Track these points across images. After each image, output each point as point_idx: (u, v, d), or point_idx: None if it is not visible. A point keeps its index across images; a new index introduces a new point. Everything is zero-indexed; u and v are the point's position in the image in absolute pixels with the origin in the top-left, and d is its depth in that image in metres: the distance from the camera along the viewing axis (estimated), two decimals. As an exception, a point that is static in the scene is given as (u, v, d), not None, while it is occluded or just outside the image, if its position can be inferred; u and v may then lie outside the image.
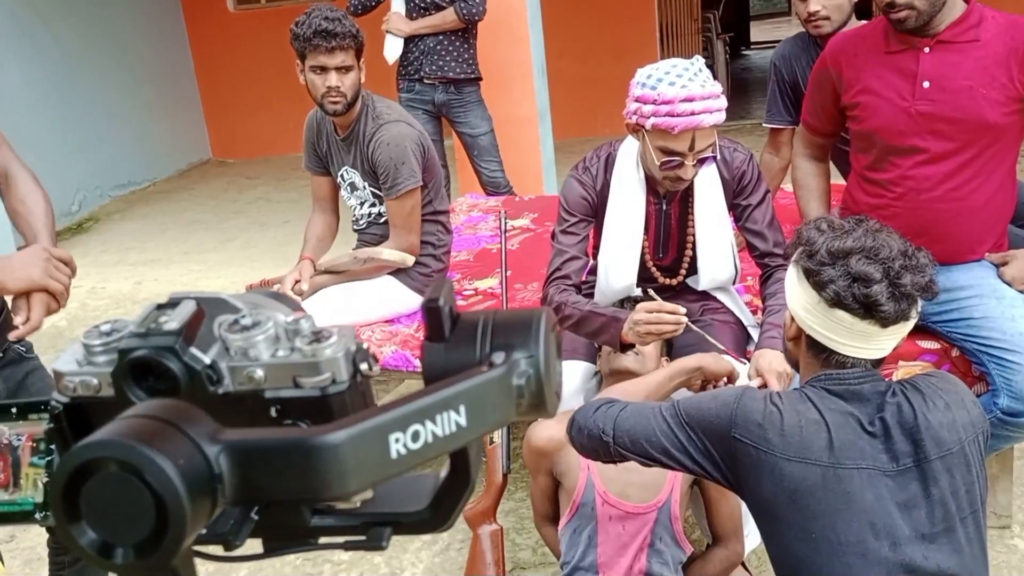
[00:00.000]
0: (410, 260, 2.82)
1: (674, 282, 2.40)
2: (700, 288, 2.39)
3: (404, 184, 2.71)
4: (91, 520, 0.42)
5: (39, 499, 0.57)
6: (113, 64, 7.68)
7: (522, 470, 2.82)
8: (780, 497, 1.46)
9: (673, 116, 2.02)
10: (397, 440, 0.44)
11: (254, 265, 5.43)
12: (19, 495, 0.57)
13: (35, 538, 2.81)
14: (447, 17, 4.25)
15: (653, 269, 2.37)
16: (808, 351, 1.55)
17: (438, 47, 4.32)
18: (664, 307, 2.06)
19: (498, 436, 2.13)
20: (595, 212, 2.32)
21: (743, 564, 2.14)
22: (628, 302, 2.27)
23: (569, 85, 7.27)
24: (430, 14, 4.29)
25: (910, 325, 1.49)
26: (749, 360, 2.16)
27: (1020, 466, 2.64)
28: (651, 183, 2.27)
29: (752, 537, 2.10)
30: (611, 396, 1.75)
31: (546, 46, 5.05)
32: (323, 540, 0.54)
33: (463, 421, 0.46)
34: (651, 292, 2.22)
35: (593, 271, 2.44)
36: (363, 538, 0.53)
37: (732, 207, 2.33)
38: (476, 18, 4.26)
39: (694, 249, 2.33)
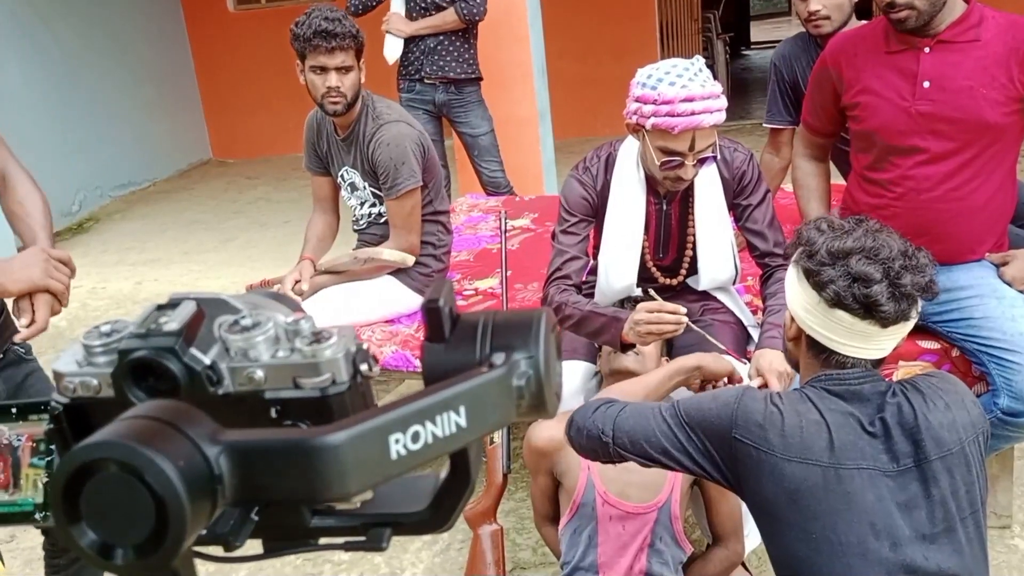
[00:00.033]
0: (410, 260, 2.83)
1: (674, 282, 2.40)
2: (700, 288, 2.39)
3: (404, 184, 2.71)
4: (91, 521, 0.42)
5: (39, 500, 0.57)
6: (113, 64, 7.68)
7: (522, 470, 2.82)
8: (781, 497, 1.46)
9: (673, 116, 2.03)
10: (397, 441, 0.44)
11: (254, 265, 5.43)
12: (19, 496, 0.57)
13: (35, 538, 2.81)
14: (447, 17, 4.25)
15: (653, 269, 2.37)
16: (808, 351, 1.55)
17: (439, 47, 4.32)
18: (665, 307, 2.06)
19: (498, 436, 2.13)
20: (595, 212, 2.32)
21: (743, 564, 2.14)
22: (628, 302, 2.27)
23: (569, 85, 7.27)
24: (431, 14, 4.29)
25: (910, 325, 1.49)
26: (749, 360, 2.16)
27: (1020, 466, 2.64)
28: (651, 183, 2.27)
29: (752, 537, 2.10)
30: (610, 396, 1.75)
31: (546, 46, 5.05)
32: (323, 541, 0.54)
33: (463, 422, 0.46)
34: (652, 292, 2.22)
35: (593, 271, 2.44)
36: (363, 539, 0.53)
37: (732, 207, 2.33)
38: (477, 18, 4.26)
39: (694, 249, 2.33)
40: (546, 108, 5.04)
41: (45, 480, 0.56)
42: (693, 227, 2.31)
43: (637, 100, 2.09)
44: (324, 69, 2.64)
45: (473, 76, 4.41)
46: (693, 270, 2.38)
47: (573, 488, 2.03)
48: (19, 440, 0.56)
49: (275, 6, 8.49)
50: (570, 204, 2.31)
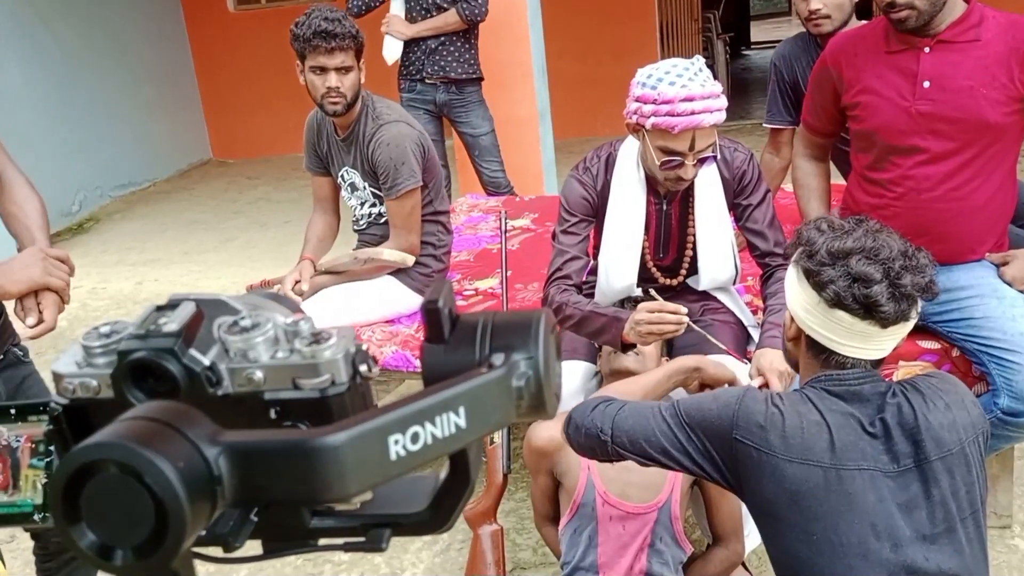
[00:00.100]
0: (410, 260, 2.83)
1: (674, 282, 2.40)
2: (700, 288, 2.39)
3: (404, 184, 2.71)
4: (91, 522, 0.42)
5: (38, 501, 0.57)
6: (113, 64, 7.68)
7: (522, 470, 2.82)
8: (781, 498, 1.46)
9: (673, 116, 2.03)
10: (396, 442, 0.44)
11: (254, 265, 5.43)
12: (18, 497, 0.57)
13: (35, 538, 2.81)
14: (449, 19, 4.25)
15: (653, 269, 2.37)
16: (808, 351, 1.55)
17: (440, 48, 4.32)
18: (666, 307, 2.06)
19: (498, 436, 2.13)
20: (596, 212, 2.32)
21: (743, 564, 2.14)
22: (628, 302, 2.27)
23: (569, 85, 7.27)
24: (432, 15, 4.28)
25: (910, 326, 1.49)
26: (750, 360, 2.16)
27: (1020, 466, 2.64)
28: (651, 183, 2.27)
29: (752, 537, 2.10)
30: (608, 394, 1.74)
31: (546, 46, 5.05)
32: (323, 541, 0.54)
33: (462, 423, 0.46)
34: (652, 292, 2.22)
35: (593, 271, 2.44)
36: (363, 539, 0.53)
37: (732, 207, 2.33)
38: (478, 19, 4.26)
39: (694, 249, 2.33)
40: (546, 108, 5.04)
41: (44, 481, 0.56)
42: (693, 227, 2.31)
43: (637, 100, 2.09)
44: (324, 69, 2.64)
45: (474, 76, 4.41)
46: (693, 270, 2.38)
47: (573, 488, 2.03)
48: (18, 441, 0.56)
49: (275, 6, 8.49)
50: (570, 204, 2.31)
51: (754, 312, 2.47)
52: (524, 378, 0.50)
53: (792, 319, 1.57)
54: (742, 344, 2.35)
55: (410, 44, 4.33)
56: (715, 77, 2.16)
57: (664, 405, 1.60)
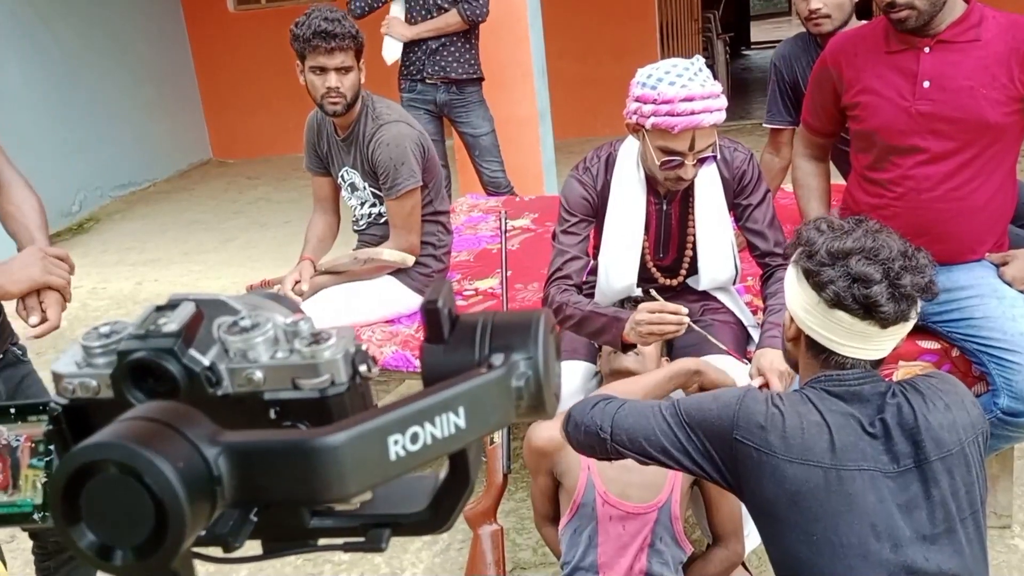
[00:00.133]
0: (410, 260, 2.83)
1: (674, 282, 2.40)
2: (700, 288, 2.39)
3: (404, 184, 2.71)
4: (91, 522, 0.42)
5: (38, 501, 0.57)
6: (113, 64, 7.68)
7: (522, 470, 2.82)
8: (781, 499, 1.46)
9: (673, 115, 2.03)
10: (396, 442, 0.44)
11: (254, 265, 5.43)
12: (18, 496, 0.57)
13: (35, 538, 2.81)
14: (450, 19, 4.25)
15: (653, 269, 2.37)
16: (807, 352, 1.55)
17: (441, 48, 4.32)
18: (667, 307, 2.06)
19: (498, 436, 2.13)
20: (596, 212, 2.32)
21: (743, 564, 2.14)
22: (628, 302, 2.27)
23: (569, 85, 7.27)
24: (432, 16, 4.28)
25: (909, 326, 1.49)
26: (750, 360, 2.16)
27: (1020, 466, 2.64)
28: (651, 183, 2.27)
29: (752, 537, 2.10)
30: (608, 393, 1.74)
31: (546, 46, 5.05)
32: (322, 541, 0.54)
33: (462, 423, 0.46)
34: (653, 292, 2.22)
35: (593, 271, 2.44)
36: (362, 540, 0.53)
37: (732, 207, 2.33)
38: (480, 19, 4.26)
39: (694, 249, 2.33)
40: (546, 108, 5.04)
41: (44, 481, 0.56)
42: (693, 227, 2.31)
43: (637, 100, 2.09)
44: (323, 69, 2.64)
45: (475, 76, 4.41)
46: (693, 270, 2.38)
47: (573, 488, 2.03)
48: (18, 441, 0.56)
49: (275, 6, 8.49)
50: (570, 204, 2.31)
51: (754, 312, 2.47)
52: (523, 378, 0.50)
53: (792, 319, 1.57)
54: (742, 344, 2.35)
55: (411, 44, 4.33)
56: (715, 77, 2.16)
57: (664, 404, 1.60)
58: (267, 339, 0.50)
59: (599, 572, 1.98)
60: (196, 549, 0.48)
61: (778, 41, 3.95)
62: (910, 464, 1.44)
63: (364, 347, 0.52)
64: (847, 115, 2.36)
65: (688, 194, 2.28)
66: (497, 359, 0.50)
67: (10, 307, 1.81)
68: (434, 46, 4.31)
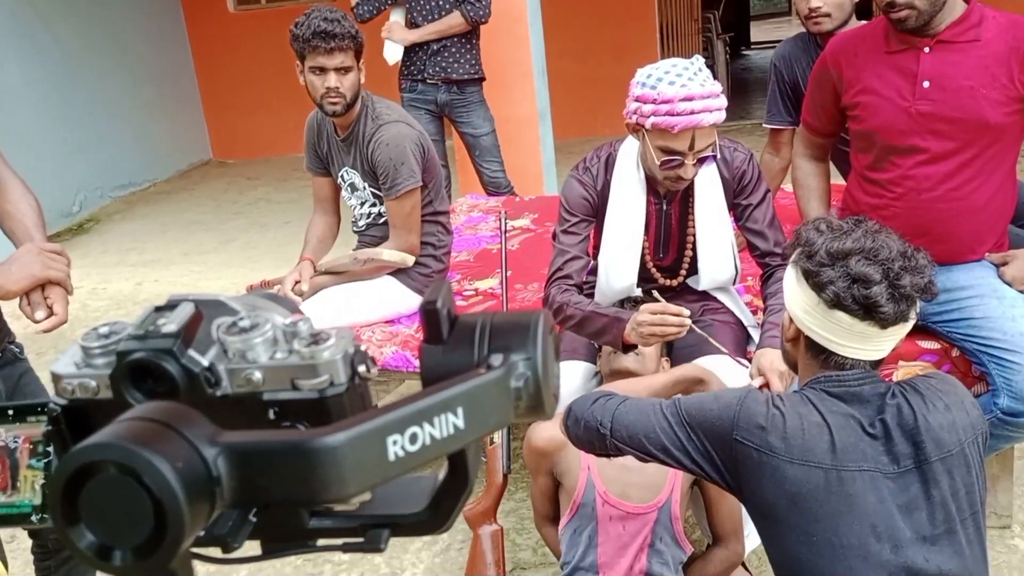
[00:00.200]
0: (410, 260, 2.83)
1: (674, 282, 2.40)
2: (700, 288, 2.39)
3: (404, 184, 2.71)
4: (90, 523, 0.42)
5: (37, 501, 0.57)
6: (113, 64, 7.68)
7: (522, 470, 2.82)
8: (782, 500, 1.46)
9: (673, 115, 2.03)
10: (395, 442, 0.44)
11: (254, 266, 5.43)
12: (17, 497, 0.57)
13: (35, 539, 2.81)
14: (452, 21, 4.25)
15: (653, 269, 2.37)
16: (807, 352, 1.55)
17: (442, 49, 4.32)
18: (668, 309, 2.06)
19: (498, 437, 2.13)
20: (596, 212, 2.32)
21: (743, 564, 2.14)
22: (628, 302, 2.27)
23: (569, 85, 7.27)
24: (435, 18, 4.28)
25: (909, 326, 1.49)
26: (750, 360, 2.16)
27: (1020, 466, 2.64)
28: (651, 183, 2.27)
29: (752, 537, 2.10)
30: (610, 390, 1.74)
31: (546, 46, 5.05)
32: (321, 542, 0.54)
33: (461, 423, 0.46)
34: (655, 293, 2.22)
35: (593, 271, 2.44)
36: (361, 540, 0.53)
37: (732, 207, 2.33)
38: (482, 20, 4.27)
39: (694, 249, 2.33)
40: (546, 108, 5.04)
41: (43, 482, 0.56)
42: (693, 227, 2.31)
43: (637, 100, 2.09)
44: (323, 70, 2.64)
45: (475, 76, 4.41)
46: (693, 270, 2.38)
47: (573, 488, 2.03)
48: (16, 442, 0.56)
49: (275, 6, 8.49)
50: (570, 204, 2.31)
51: (754, 312, 2.47)
52: (522, 379, 0.50)
53: (791, 320, 1.57)
54: (742, 344, 2.35)
55: (412, 45, 4.33)
56: (715, 77, 2.16)
57: (665, 403, 1.60)
58: (266, 340, 0.50)
59: (599, 572, 1.98)
60: (195, 549, 0.48)
61: (778, 41, 3.95)
62: (910, 465, 1.44)
63: (363, 347, 0.52)
64: (847, 115, 2.36)
65: (688, 194, 2.28)
66: (496, 360, 0.50)
67: (7, 306, 1.81)
68: (435, 47, 4.31)
